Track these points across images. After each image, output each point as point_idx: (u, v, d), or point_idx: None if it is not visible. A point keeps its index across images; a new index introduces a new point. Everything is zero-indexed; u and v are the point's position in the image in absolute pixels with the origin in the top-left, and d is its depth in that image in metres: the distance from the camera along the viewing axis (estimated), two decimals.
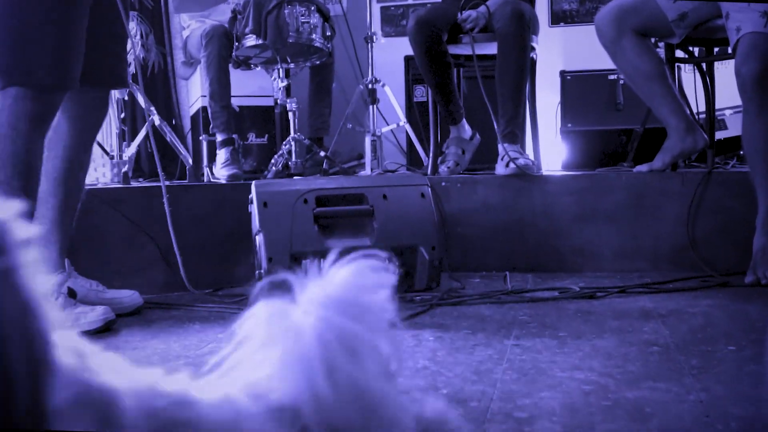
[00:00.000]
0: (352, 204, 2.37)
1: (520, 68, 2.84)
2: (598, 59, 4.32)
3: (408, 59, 4.05)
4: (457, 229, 2.86)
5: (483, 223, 2.85)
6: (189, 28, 3.96)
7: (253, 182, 2.36)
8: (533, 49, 3.15)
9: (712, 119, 2.94)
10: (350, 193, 2.37)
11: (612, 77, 4.02)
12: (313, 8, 3.48)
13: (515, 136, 2.87)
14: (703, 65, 2.96)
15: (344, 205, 2.36)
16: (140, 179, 4.22)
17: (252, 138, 3.93)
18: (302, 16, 3.44)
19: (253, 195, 2.34)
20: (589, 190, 2.79)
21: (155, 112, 3.03)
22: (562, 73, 4.08)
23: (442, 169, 3.07)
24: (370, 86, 3.82)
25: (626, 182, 2.77)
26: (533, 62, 3.25)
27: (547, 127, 4.12)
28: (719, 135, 3.70)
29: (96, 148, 3.73)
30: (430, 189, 2.39)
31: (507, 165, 2.77)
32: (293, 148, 3.54)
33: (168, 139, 3.07)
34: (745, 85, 2.40)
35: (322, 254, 2.31)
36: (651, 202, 2.73)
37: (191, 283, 2.34)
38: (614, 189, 2.77)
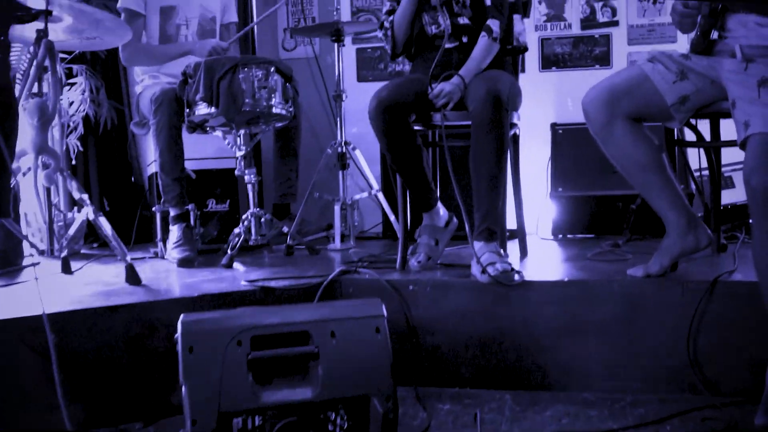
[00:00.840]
0: (295, 344, 2.04)
1: (497, 158, 2.51)
2: None
3: None
4: (427, 338, 2.54)
5: (456, 332, 2.52)
6: (142, 83, 3.64)
7: (181, 318, 2.04)
8: (515, 125, 2.81)
9: (718, 211, 2.60)
10: (292, 330, 2.04)
11: None
12: (272, 69, 3.15)
13: (491, 234, 2.54)
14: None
15: (285, 346, 2.03)
16: (94, 245, 3.92)
17: (212, 205, 3.61)
18: (259, 80, 3.10)
19: (179, 335, 2.01)
20: (576, 299, 2.46)
21: (89, 201, 2.70)
22: (554, 127, 3.76)
23: (413, 263, 2.74)
24: (339, 150, 3.49)
25: (619, 291, 2.44)
26: (516, 137, 2.91)
27: (537, 182, 3.80)
28: (726, 198, 3.37)
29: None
30: (386, 322, 2.06)
31: (482, 271, 2.44)
32: (252, 224, 3.22)
33: (102, 234, 2.74)
34: (756, 197, 2.06)
35: (256, 412, 2.01)
36: (646, 314, 2.40)
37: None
38: (605, 298, 2.44)
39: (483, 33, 2.79)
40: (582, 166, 3.69)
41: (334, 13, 3.54)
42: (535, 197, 3.79)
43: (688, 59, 2.41)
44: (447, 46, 2.87)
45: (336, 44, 3.46)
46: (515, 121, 2.81)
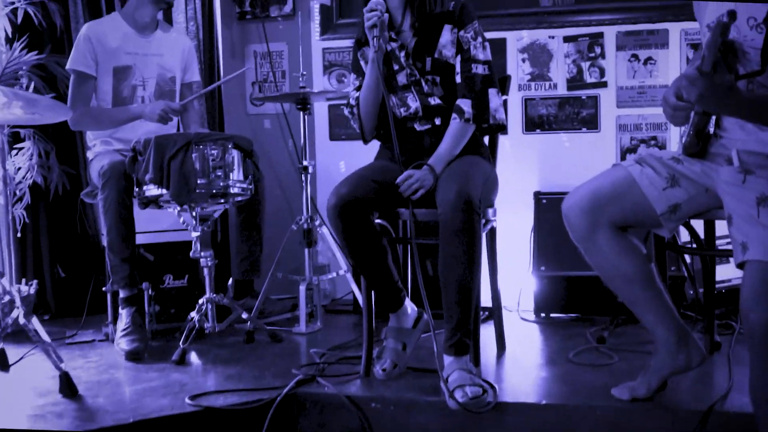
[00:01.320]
0: None
1: (469, 266, 2.28)
2: (578, 173, 3.77)
3: None
4: None
5: None
6: (93, 149, 3.40)
7: None
8: (491, 221, 2.58)
9: (712, 331, 2.37)
10: None
11: None
12: (229, 146, 2.91)
13: (462, 348, 2.31)
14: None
15: None
16: (45, 316, 3.67)
17: (169, 281, 3.36)
18: (214, 158, 2.86)
19: None
20: (554, 426, 2.22)
21: (20, 302, 2.45)
22: (537, 196, 3.53)
23: (377, 370, 2.51)
24: (305, 226, 3.25)
25: (602, 417, 2.21)
26: (492, 233, 2.67)
27: (519, 252, 3.57)
28: (719, 273, 3.13)
29: None
30: None
31: (450, 395, 2.20)
32: (209, 310, 2.97)
33: (35, 338, 2.49)
34: (754, 334, 1.84)
35: None
36: None
37: None
38: (586, 425, 2.20)
39: (454, 115, 2.57)
40: (567, 240, 3.41)
41: (300, 78, 3.29)
42: (516, 270, 3.56)
43: (680, 163, 2.18)
44: (418, 128, 2.65)
45: (302, 112, 3.22)
46: (491, 217, 2.58)
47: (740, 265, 1.93)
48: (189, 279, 3.38)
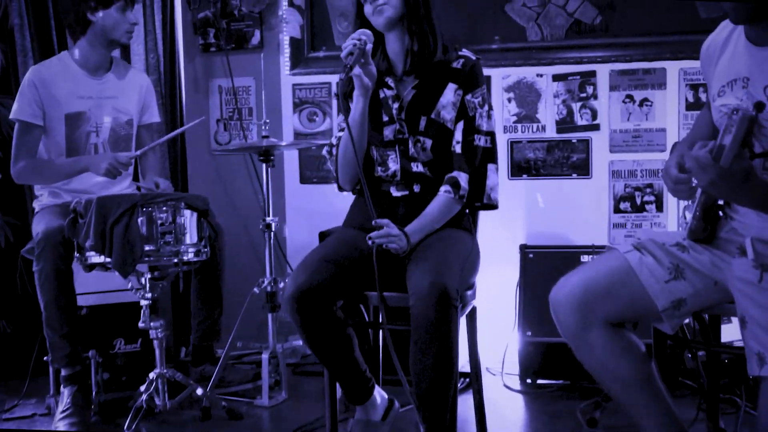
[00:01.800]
0: None
1: (443, 367, 2.01)
2: (568, 224, 3.53)
3: (323, 235, 3.19)
4: None
5: None
6: (40, 199, 3.11)
7: None
8: (468, 304, 2.30)
9: (716, 419, 2.10)
10: None
11: (586, 259, 3.19)
12: (181, 206, 2.62)
13: None
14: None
15: None
16: None
17: (120, 345, 3.06)
18: (163, 222, 2.57)
19: None
20: None
21: None
22: (523, 249, 3.26)
23: None
24: (268, 289, 2.96)
25: None
26: (473, 313, 2.39)
27: (504, 309, 3.29)
28: (723, 335, 2.85)
29: None
30: None
31: None
32: (160, 387, 2.68)
33: None
34: None
35: None
36: None
37: None
38: None
39: (447, 187, 2.29)
40: None
41: (263, 127, 2.99)
42: (501, 327, 3.28)
43: (685, 251, 1.91)
44: (394, 194, 2.36)
45: (264, 164, 2.93)
46: (470, 301, 2.29)
47: (755, 380, 1.67)
48: (143, 343, 3.08)
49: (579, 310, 1.90)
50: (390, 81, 2.35)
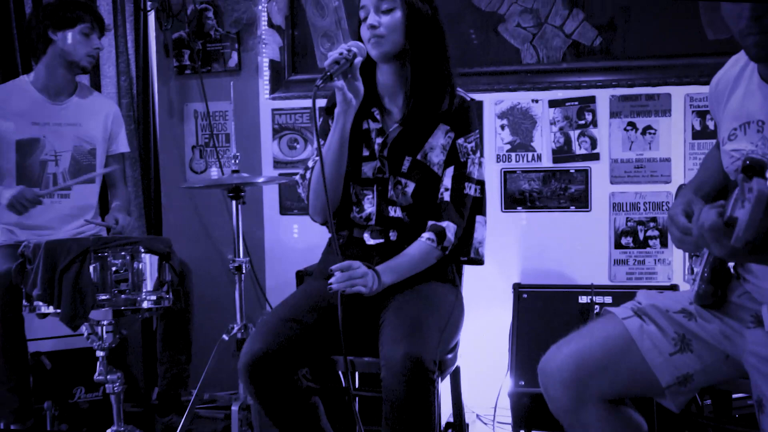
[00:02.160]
0: None
1: None
2: (565, 260, 3.29)
3: (300, 276, 2.97)
4: None
5: None
6: None
7: None
8: (449, 368, 2.06)
9: None
10: None
11: (584, 300, 2.96)
12: (139, 249, 2.39)
13: None
14: None
15: None
16: None
17: (80, 394, 2.85)
18: (119, 269, 2.35)
19: None
20: None
21: None
22: (517, 289, 3.03)
23: None
24: (239, 336, 2.73)
25: None
26: (456, 371, 2.15)
27: (497, 350, 3.06)
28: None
29: None
30: None
31: None
32: None
33: None
34: None
35: None
36: None
37: None
38: None
39: (431, 235, 2.07)
40: (550, 339, 2.95)
41: (233, 161, 2.76)
42: (493, 372, 3.05)
43: (692, 318, 1.68)
44: (368, 241, 2.13)
45: (234, 201, 2.70)
46: (451, 366, 2.06)
47: None
48: (104, 391, 2.85)
49: (572, 386, 1.67)
50: (376, 112, 2.13)
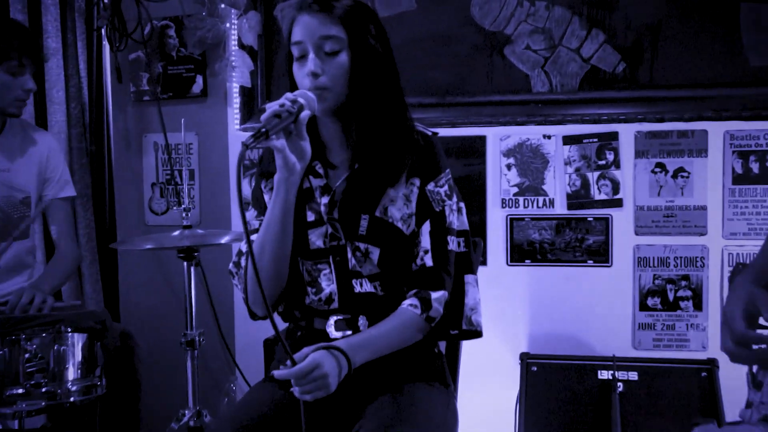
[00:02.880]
0: None
1: None
2: (582, 326, 2.84)
3: (267, 344, 2.54)
4: None
5: None
6: None
7: None
8: None
9: None
10: None
11: (605, 375, 2.54)
12: (64, 330, 1.96)
13: None
14: None
15: None
16: None
17: None
18: (32, 357, 1.92)
19: None
20: None
21: None
22: (524, 359, 2.63)
23: None
24: (191, 423, 2.30)
25: None
26: None
27: (501, 424, 2.64)
28: None
29: None
30: None
31: None
32: None
33: None
34: None
35: None
36: None
37: None
38: None
39: (414, 300, 1.66)
40: (563, 423, 2.52)
41: (183, 216, 2.33)
42: None
43: None
44: (332, 334, 1.70)
45: (186, 263, 2.27)
46: None
47: None
48: None
49: None
50: (318, 166, 1.71)
